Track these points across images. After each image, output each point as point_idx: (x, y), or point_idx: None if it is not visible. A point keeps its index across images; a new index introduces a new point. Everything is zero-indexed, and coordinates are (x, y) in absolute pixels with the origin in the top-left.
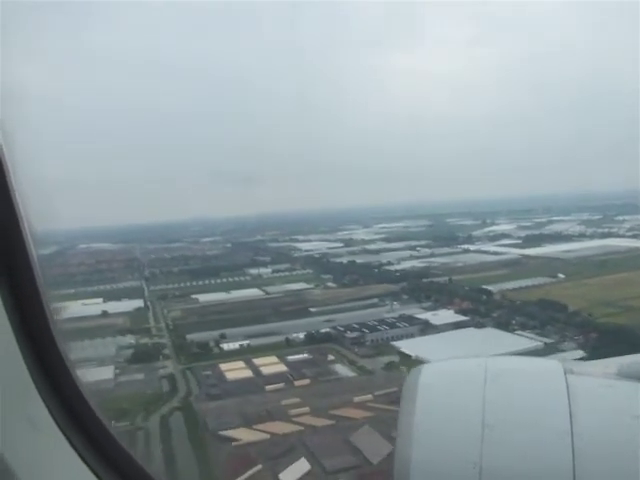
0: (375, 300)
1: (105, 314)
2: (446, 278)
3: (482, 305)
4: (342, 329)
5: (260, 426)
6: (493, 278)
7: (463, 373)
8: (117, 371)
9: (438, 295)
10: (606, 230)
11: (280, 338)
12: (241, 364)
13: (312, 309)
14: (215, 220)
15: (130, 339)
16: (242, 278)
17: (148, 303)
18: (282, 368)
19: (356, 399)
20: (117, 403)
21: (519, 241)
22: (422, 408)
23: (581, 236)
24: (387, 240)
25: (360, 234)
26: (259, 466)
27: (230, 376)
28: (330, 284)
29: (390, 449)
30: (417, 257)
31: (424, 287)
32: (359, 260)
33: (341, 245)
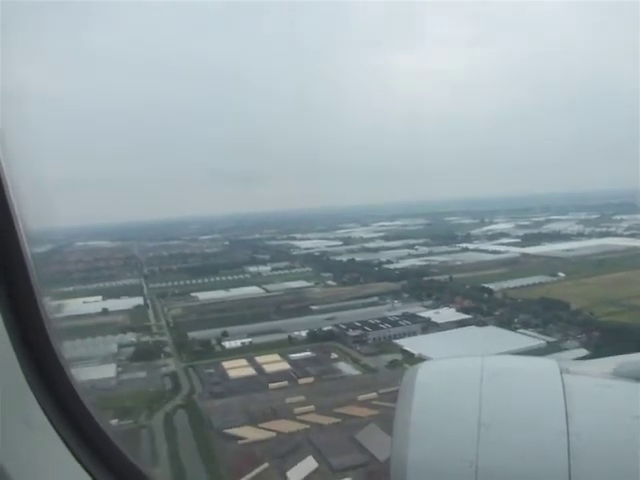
0: (375, 298)
1: (105, 312)
2: (446, 276)
3: (484, 303)
4: (344, 327)
5: (265, 424)
6: (493, 276)
7: (460, 372)
8: (119, 369)
9: (439, 293)
10: (604, 229)
11: (282, 336)
12: (244, 362)
13: (313, 307)
14: (213, 218)
15: (131, 337)
16: (241, 276)
17: (148, 301)
18: (285, 366)
19: (361, 397)
20: (120, 401)
21: (518, 240)
22: (419, 407)
23: (579, 235)
24: (386, 239)
25: (359, 232)
26: (266, 464)
27: (233, 374)
28: (330, 282)
29: None
30: (416, 255)
31: (425, 285)
32: (358, 258)
33: (340, 243)
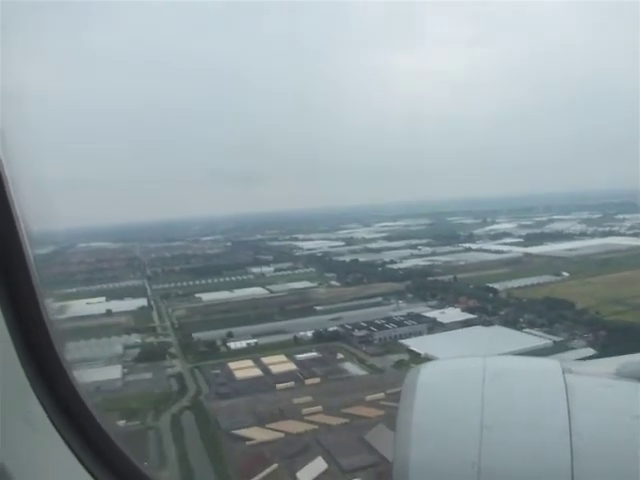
0: (380, 299)
1: (109, 313)
2: (450, 276)
3: (489, 303)
4: (350, 327)
5: (273, 425)
6: (497, 276)
7: (462, 372)
8: (125, 370)
9: (443, 293)
10: (607, 229)
11: (287, 337)
12: (250, 363)
13: (318, 307)
14: (214, 218)
15: (136, 338)
16: (244, 277)
17: (151, 302)
18: (291, 367)
19: (368, 397)
20: (126, 402)
21: (520, 240)
22: (421, 408)
23: (582, 235)
24: (388, 239)
25: (361, 233)
26: (275, 465)
27: (239, 375)
28: (334, 283)
29: None
30: (419, 256)
31: (429, 285)
32: (361, 259)
33: (342, 244)
